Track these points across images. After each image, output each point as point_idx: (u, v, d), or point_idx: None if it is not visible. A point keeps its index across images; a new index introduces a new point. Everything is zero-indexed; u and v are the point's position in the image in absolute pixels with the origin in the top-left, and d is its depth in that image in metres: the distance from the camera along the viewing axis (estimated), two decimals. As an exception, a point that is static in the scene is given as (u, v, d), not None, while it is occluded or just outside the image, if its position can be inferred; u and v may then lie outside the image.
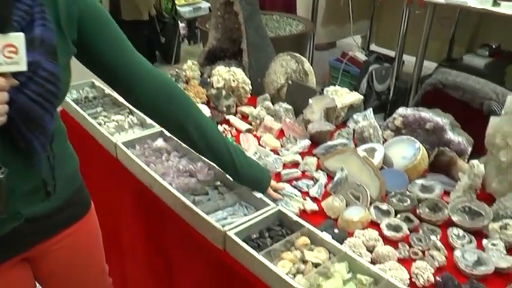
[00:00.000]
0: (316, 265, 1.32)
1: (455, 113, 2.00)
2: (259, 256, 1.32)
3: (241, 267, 1.39)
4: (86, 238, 1.47)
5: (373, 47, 5.62)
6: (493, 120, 1.72)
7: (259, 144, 2.02)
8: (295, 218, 1.46)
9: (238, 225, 1.43)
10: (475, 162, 1.63)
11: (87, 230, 1.47)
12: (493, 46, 4.27)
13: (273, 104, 2.23)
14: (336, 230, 1.49)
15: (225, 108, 2.27)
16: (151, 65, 1.37)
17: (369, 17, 5.58)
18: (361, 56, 4.83)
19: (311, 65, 2.37)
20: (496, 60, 4.23)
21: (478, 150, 1.85)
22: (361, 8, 5.36)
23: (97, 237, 1.56)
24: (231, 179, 1.61)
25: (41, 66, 1.05)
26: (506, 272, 1.38)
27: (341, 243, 1.40)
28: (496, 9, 3.63)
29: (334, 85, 2.39)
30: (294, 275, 1.32)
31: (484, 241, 1.48)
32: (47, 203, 1.26)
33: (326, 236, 1.38)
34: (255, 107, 2.28)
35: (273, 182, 1.61)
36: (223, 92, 2.29)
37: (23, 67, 0.99)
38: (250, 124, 2.18)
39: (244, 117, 2.27)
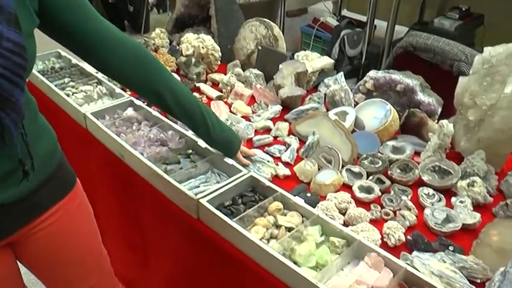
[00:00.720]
0: (289, 229, 1.32)
1: (426, 74, 2.01)
2: (232, 223, 1.31)
3: (215, 235, 1.38)
4: (72, 216, 1.38)
5: (344, 12, 5.57)
6: (461, 80, 1.73)
7: (231, 111, 2.00)
8: (268, 183, 1.46)
9: (211, 193, 1.42)
10: (444, 122, 1.65)
11: (73, 208, 1.38)
12: (463, 9, 4.27)
13: (243, 70, 2.21)
14: (309, 194, 1.49)
15: (195, 76, 2.24)
16: (120, 31, 1.32)
17: (339, -19, 5.52)
18: (333, 22, 4.78)
19: (282, 31, 2.34)
20: (466, 23, 4.25)
21: (449, 111, 1.87)
22: (331, -27, 5.30)
23: (85, 214, 1.45)
24: (203, 144, 1.61)
25: (4, 36, 0.95)
26: (473, 228, 1.41)
27: (314, 206, 1.41)
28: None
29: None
30: (268, 240, 1.33)
31: (453, 199, 1.51)
32: (24, 185, 1.17)
33: (298, 200, 1.39)
34: (225, 74, 2.25)
35: (243, 148, 1.61)
36: (193, 60, 2.25)
37: None
38: (221, 91, 2.16)
39: (215, 84, 2.24)
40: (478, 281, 1.24)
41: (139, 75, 1.34)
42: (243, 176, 1.49)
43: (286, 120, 1.91)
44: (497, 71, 1.61)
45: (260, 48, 2.22)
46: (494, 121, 1.61)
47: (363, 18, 4.64)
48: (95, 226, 1.50)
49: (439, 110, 1.89)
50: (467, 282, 1.20)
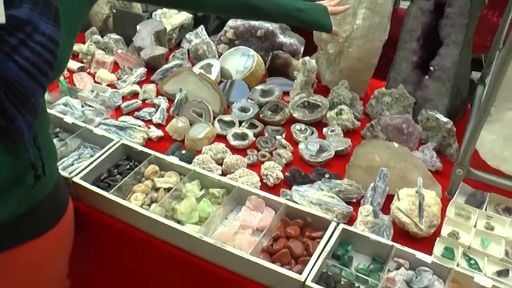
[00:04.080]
0: (168, 190, 1.30)
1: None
2: (109, 195, 1.26)
3: (95, 211, 1.32)
4: (53, 249, 1.16)
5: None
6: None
7: (95, 81, 1.89)
8: (140, 148, 1.41)
9: (84, 169, 1.35)
10: (306, 58, 1.69)
11: (58, 239, 1.16)
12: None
13: (101, 37, 2.09)
14: (184, 151, 1.47)
15: (51, 51, 2.08)
16: None
17: None
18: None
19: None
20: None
21: (311, 49, 1.93)
22: None
23: (68, 247, 1.23)
24: (69, 120, 1.53)
25: (39, 29, 0.83)
26: (345, 153, 1.49)
27: (190, 162, 1.39)
28: None
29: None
30: (149, 205, 1.29)
31: (324, 129, 1.58)
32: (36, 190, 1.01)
33: (173, 159, 1.36)
34: (83, 43, 2.11)
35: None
36: (45, 34, 2.08)
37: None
38: (82, 62, 2.03)
39: (75, 56, 2.10)
40: (354, 200, 1.32)
41: None
42: (114, 145, 1.43)
43: (153, 82, 1.84)
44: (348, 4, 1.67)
45: (115, 11, 2.10)
46: (351, 51, 1.68)
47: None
48: (67, 258, 1.26)
49: (302, 48, 1.94)
50: (345, 204, 1.27)
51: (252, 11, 1.38)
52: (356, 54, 1.68)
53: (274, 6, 1.38)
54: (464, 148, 1.31)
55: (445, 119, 1.50)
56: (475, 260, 1.17)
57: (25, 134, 0.90)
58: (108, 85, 1.85)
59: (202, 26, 2.00)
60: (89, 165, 1.36)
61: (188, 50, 1.96)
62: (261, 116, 1.62)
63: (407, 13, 1.65)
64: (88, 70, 1.99)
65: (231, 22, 1.93)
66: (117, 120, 1.62)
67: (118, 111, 1.70)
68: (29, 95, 0.86)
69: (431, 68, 1.60)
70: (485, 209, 1.31)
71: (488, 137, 1.41)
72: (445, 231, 1.23)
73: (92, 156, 1.45)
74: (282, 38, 1.90)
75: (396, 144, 1.45)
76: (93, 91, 1.79)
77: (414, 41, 1.64)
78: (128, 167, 1.40)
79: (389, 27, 1.69)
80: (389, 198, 1.28)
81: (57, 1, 0.87)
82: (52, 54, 0.86)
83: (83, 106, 1.69)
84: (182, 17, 2.11)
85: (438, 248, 1.19)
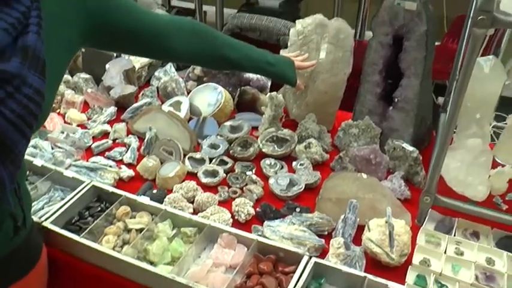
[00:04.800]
0: (141, 230, 1.29)
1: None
2: (80, 239, 1.25)
3: (66, 256, 1.30)
4: None
5: (174, 2, 5.55)
6: (282, 52, 1.82)
7: (65, 121, 1.89)
8: (111, 189, 1.41)
9: (54, 213, 1.34)
10: (273, 93, 1.73)
11: (35, 283, 1.16)
12: (284, -14, 4.47)
13: (71, 76, 2.09)
14: (155, 191, 1.47)
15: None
16: (168, 14, 1.24)
17: (163, -29, 5.46)
18: (163, 13, 4.74)
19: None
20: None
21: (281, 85, 1.96)
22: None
23: None
24: (39, 163, 1.52)
25: (28, 82, 0.84)
26: (315, 186, 1.51)
27: (161, 202, 1.39)
28: None
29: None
30: (122, 247, 1.28)
31: (294, 163, 1.60)
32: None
33: (144, 200, 1.36)
34: (52, 85, 2.11)
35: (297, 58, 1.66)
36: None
37: None
38: (51, 103, 2.02)
39: (43, 97, 2.09)
40: (326, 233, 1.33)
41: (204, 49, 1.34)
42: (85, 187, 1.42)
43: (123, 121, 1.85)
44: (311, 40, 1.73)
45: (83, 50, 2.11)
46: (317, 85, 1.73)
47: (192, 6, 4.67)
48: None
49: (269, 83, 1.98)
50: (316, 237, 1.28)
51: (224, 63, 1.43)
52: (322, 88, 1.73)
53: (246, 59, 1.45)
54: (430, 176, 1.34)
55: (411, 148, 1.54)
56: (447, 287, 1.19)
57: (7, 185, 0.89)
58: (78, 125, 1.84)
59: (171, 63, 2.02)
60: (59, 209, 1.35)
61: (157, 88, 1.98)
62: (230, 152, 1.63)
63: (368, 47, 1.70)
64: (58, 110, 1.98)
65: (199, 59, 1.97)
66: (87, 161, 1.61)
67: (89, 152, 1.70)
68: (14, 146, 0.86)
69: (395, 99, 1.65)
70: (454, 235, 1.34)
71: (452, 164, 1.46)
72: (416, 259, 1.25)
73: (62, 199, 1.44)
74: (248, 74, 1.94)
75: (364, 175, 1.48)
76: (63, 132, 1.78)
77: (377, 73, 1.69)
78: (99, 209, 1.39)
79: (353, 59, 1.75)
80: (361, 229, 1.30)
81: (43, 53, 0.89)
82: (37, 106, 0.87)
83: (52, 148, 1.68)
84: (151, 55, 2.13)
85: (410, 276, 1.20)
